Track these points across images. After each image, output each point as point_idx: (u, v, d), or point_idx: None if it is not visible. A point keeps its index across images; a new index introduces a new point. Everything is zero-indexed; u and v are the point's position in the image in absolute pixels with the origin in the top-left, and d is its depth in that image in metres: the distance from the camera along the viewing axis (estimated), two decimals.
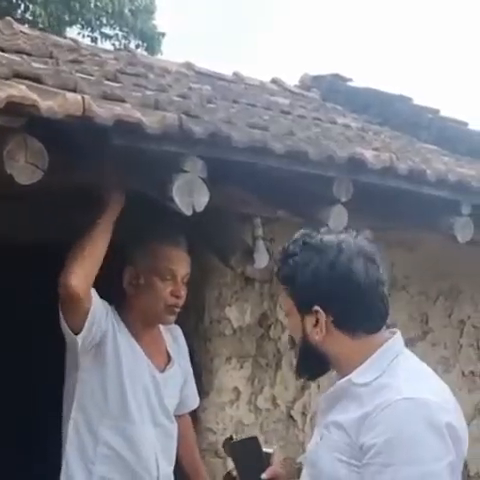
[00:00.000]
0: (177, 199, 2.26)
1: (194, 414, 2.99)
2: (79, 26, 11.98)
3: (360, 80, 5.12)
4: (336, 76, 5.24)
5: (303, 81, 5.38)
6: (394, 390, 1.56)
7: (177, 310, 2.63)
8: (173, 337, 2.77)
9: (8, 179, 1.95)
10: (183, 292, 2.60)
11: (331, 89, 5.12)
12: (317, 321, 1.67)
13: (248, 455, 1.84)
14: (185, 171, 2.25)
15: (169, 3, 20.05)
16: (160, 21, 12.45)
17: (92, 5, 11.44)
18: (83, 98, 1.99)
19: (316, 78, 5.30)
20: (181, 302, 2.62)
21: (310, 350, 1.70)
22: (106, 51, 4.86)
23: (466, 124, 4.52)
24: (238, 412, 3.31)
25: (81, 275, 2.34)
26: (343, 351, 1.68)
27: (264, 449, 1.91)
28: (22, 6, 11.63)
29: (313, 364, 1.75)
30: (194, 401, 2.89)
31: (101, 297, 2.49)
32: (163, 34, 12.14)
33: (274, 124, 2.76)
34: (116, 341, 2.55)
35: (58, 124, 1.98)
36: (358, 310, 1.66)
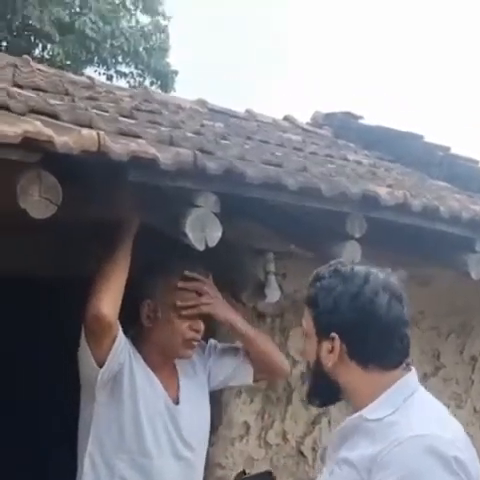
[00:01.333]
0: (190, 234, 2.20)
1: None
2: (95, 64, 12.11)
3: (371, 118, 5.11)
4: (347, 114, 5.23)
5: (315, 119, 5.37)
6: (405, 427, 1.53)
7: (195, 344, 2.57)
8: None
9: (22, 213, 1.90)
10: (201, 326, 2.54)
11: (342, 126, 5.09)
12: (332, 348, 1.63)
13: None
14: (198, 206, 2.19)
15: (183, 42, 20.23)
16: (173, 59, 12.62)
17: (108, 44, 11.56)
18: (98, 134, 1.94)
19: (327, 116, 5.28)
20: (199, 336, 2.56)
21: (322, 375, 1.67)
22: (121, 89, 4.85)
23: (477, 162, 4.49)
24: (248, 447, 3.22)
25: (110, 303, 2.31)
26: (353, 382, 1.64)
27: None
28: (40, 45, 11.78)
29: (323, 390, 1.71)
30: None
31: None
32: (176, 72, 12.25)
33: (287, 161, 2.70)
34: (133, 373, 2.48)
35: (73, 159, 1.93)
36: (374, 344, 1.62)
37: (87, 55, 11.51)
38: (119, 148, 1.97)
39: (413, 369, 1.68)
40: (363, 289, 1.62)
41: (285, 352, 3.30)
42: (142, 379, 2.49)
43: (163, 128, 2.88)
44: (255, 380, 2.74)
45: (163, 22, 12.42)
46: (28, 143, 1.82)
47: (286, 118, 5.20)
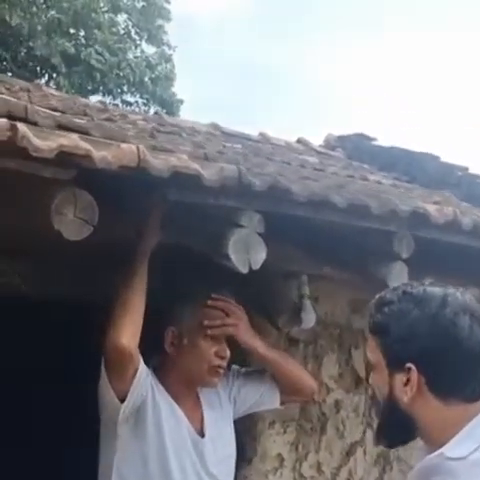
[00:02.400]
0: (233, 256, 1.98)
1: None
2: (101, 94, 11.95)
3: (384, 139, 4.94)
4: (360, 135, 5.05)
5: (327, 141, 5.20)
6: None
7: (222, 371, 2.37)
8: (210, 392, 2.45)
9: (56, 235, 1.68)
10: (228, 353, 2.35)
11: (356, 148, 4.91)
12: (408, 380, 1.41)
13: None
14: (241, 226, 1.97)
15: (188, 71, 20.14)
16: (178, 88, 12.46)
17: (114, 75, 11.41)
18: (138, 148, 1.72)
19: (340, 138, 5.10)
20: (225, 363, 2.36)
21: (395, 412, 1.45)
22: (133, 113, 4.67)
23: None
24: None
25: (129, 332, 2.11)
26: (434, 418, 1.43)
27: None
28: (46, 76, 11.61)
29: (397, 429, 1.48)
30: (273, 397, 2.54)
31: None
32: (182, 101, 12.10)
33: (324, 178, 2.49)
34: (156, 405, 2.27)
35: (110, 176, 1.71)
36: (457, 373, 1.41)
37: (93, 85, 11.35)
38: (159, 163, 1.75)
39: None
40: (442, 312, 1.42)
41: (319, 380, 3.06)
42: (166, 411, 2.29)
43: (189, 148, 2.67)
44: (282, 403, 2.58)
45: (168, 51, 12.30)
46: (63, 158, 1.60)
47: (299, 141, 5.02)
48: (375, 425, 1.56)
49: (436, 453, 1.41)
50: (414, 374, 1.41)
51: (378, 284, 2.52)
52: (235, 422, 2.58)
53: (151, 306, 2.17)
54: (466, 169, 4.34)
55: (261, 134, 4.74)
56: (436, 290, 1.46)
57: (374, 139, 5.01)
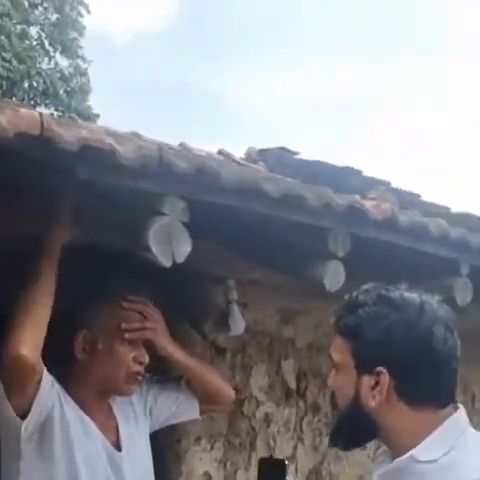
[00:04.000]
0: (154, 248, 1.71)
1: None
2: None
3: (306, 154, 4.83)
4: (283, 149, 4.90)
5: (249, 154, 5.02)
6: (466, 469, 1.34)
7: (140, 378, 2.11)
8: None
9: None
10: (147, 358, 2.09)
11: (278, 162, 4.74)
12: (376, 383, 1.37)
13: (274, 475, 1.75)
14: (163, 214, 1.71)
15: (104, 87, 19.68)
16: (94, 103, 12.14)
17: (25, 84, 11.03)
18: (41, 114, 1.44)
19: (262, 151, 4.93)
20: (143, 369, 2.10)
21: (359, 415, 1.40)
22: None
23: (419, 195, 4.21)
24: None
25: (32, 342, 1.84)
26: (400, 424, 1.39)
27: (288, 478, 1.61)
28: None
29: (357, 432, 1.44)
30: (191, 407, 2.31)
31: None
32: (98, 115, 11.82)
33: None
34: (64, 419, 1.98)
35: (3, 147, 1.42)
36: (429, 380, 1.37)
37: (2, 95, 10.88)
38: (67, 135, 1.47)
39: (462, 407, 1.42)
40: (420, 319, 1.38)
41: (248, 392, 2.82)
42: (75, 425, 2.01)
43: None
44: (201, 412, 2.35)
45: (83, 65, 12.02)
46: None
47: (220, 152, 4.80)
48: (331, 427, 1.51)
49: (406, 456, 1.38)
50: (385, 378, 1.37)
51: (313, 287, 2.31)
52: (157, 437, 2.32)
53: (56, 307, 1.89)
54: (388, 183, 4.25)
55: (181, 144, 4.48)
56: (413, 296, 1.43)
57: (297, 153, 4.87)
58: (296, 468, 3.00)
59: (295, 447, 3.02)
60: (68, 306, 2.00)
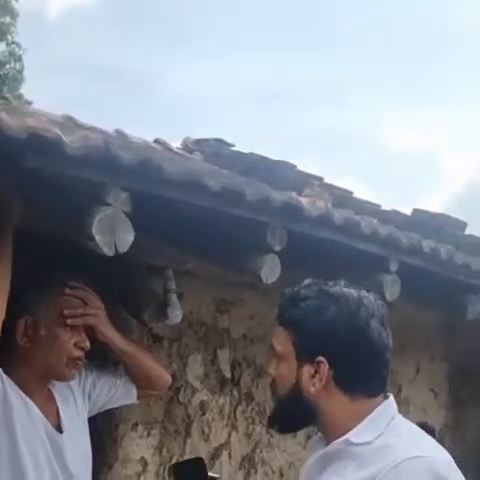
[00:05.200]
0: (97, 237, 1.74)
1: None
2: None
3: (242, 147, 4.86)
4: (219, 140, 4.91)
5: (185, 144, 5.01)
6: (399, 450, 1.42)
7: (80, 364, 2.14)
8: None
9: None
10: (88, 343, 2.12)
11: (214, 153, 4.75)
12: (316, 372, 1.44)
13: (193, 476, 1.67)
14: (107, 204, 1.74)
15: (38, 71, 18.98)
16: (28, 88, 11.72)
17: None
18: None
19: (198, 141, 4.93)
20: (83, 355, 2.13)
21: (298, 401, 1.47)
22: None
23: (351, 192, 4.27)
24: None
25: None
26: (336, 411, 1.47)
27: (210, 473, 1.61)
28: None
29: (295, 417, 1.51)
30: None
31: None
32: (30, 102, 11.53)
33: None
34: (7, 403, 2.00)
35: None
36: (364, 370, 1.46)
37: None
38: (14, 123, 1.49)
39: (391, 395, 1.52)
40: (359, 312, 1.45)
41: (184, 380, 2.86)
42: (19, 408, 2.03)
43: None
44: (138, 397, 2.40)
45: (18, 51, 11.64)
46: None
47: (157, 141, 4.77)
48: (271, 410, 1.57)
49: (341, 439, 1.44)
50: (324, 367, 1.44)
51: (250, 278, 2.37)
52: (95, 422, 2.35)
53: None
54: (321, 179, 4.31)
55: (117, 131, 4.41)
56: (352, 291, 1.49)
57: (232, 145, 4.89)
58: (230, 455, 3.05)
59: (229, 434, 3.08)
60: (10, 292, 2.00)
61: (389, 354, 1.49)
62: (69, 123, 3.57)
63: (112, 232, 1.76)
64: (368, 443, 1.43)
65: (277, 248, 2.17)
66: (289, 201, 2.11)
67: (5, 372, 2.03)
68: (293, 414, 1.50)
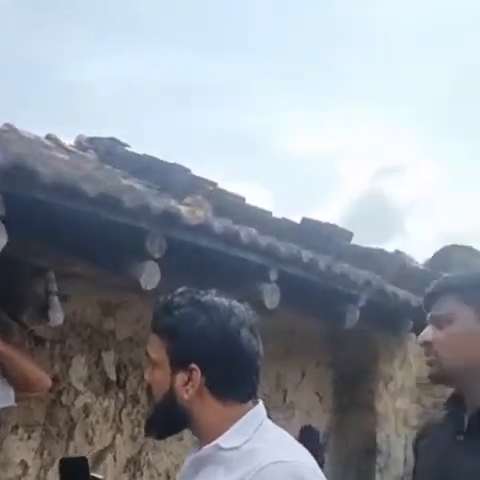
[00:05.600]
0: None
1: None
2: None
3: (136, 147, 4.88)
4: (113, 140, 4.90)
5: (79, 141, 4.95)
6: (264, 454, 1.45)
7: None
8: None
9: None
10: None
11: (108, 152, 4.72)
12: (189, 379, 1.46)
13: (77, 474, 1.68)
14: None
15: None
16: None
17: None
18: None
19: (92, 140, 4.89)
20: None
21: (172, 407, 1.49)
22: None
23: (243, 198, 4.35)
24: None
25: None
26: (209, 416, 1.49)
27: (93, 473, 1.65)
28: None
29: (170, 422, 1.52)
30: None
31: None
32: None
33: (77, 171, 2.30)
34: None
35: None
36: (235, 377, 1.49)
37: None
38: None
39: (261, 401, 1.55)
40: (229, 321, 1.49)
41: (67, 382, 2.86)
42: None
43: None
44: (16, 400, 2.36)
45: None
46: None
47: (49, 137, 4.68)
48: (147, 417, 1.56)
49: (211, 444, 1.46)
50: (197, 374, 1.46)
51: (131, 283, 2.40)
52: None
53: None
54: (215, 184, 4.39)
55: (7, 124, 4.29)
56: (223, 300, 1.52)
57: (126, 145, 4.89)
58: (115, 458, 3.07)
59: (114, 437, 3.09)
60: None
61: (259, 361, 1.54)
62: None
63: None
64: (236, 448, 1.47)
65: (156, 255, 2.22)
66: (167, 209, 2.17)
67: None
68: (168, 419, 1.52)
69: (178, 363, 1.48)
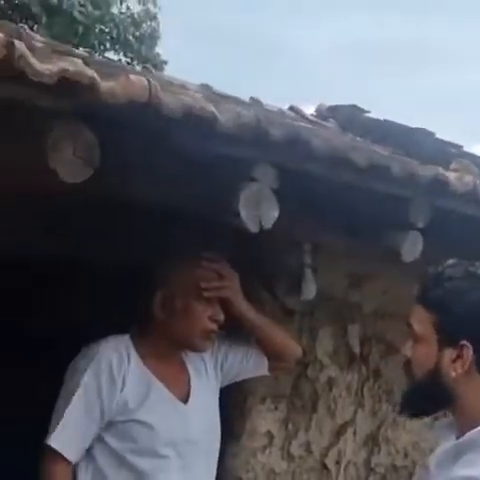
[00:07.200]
0: (242, 212, 1.82)
1: (222, 460, 2.52)
2: (82, 50, 11.57)
3: (377, 113, 4.81)
4: (353, 107, 4.88)
5: (319, 111, 5.02)
6: None
7: (214, 336, 2.26)
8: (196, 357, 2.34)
9: (51, 175, 1.50)
10: (222, 316, 2.22)
11: (348, 120, 4.73)
12: (458, 357, 1.44)
13: None
14: (254, 180, 1.82)
15: (172, 32, 19.44)
16: (162, 49, 12.11)
17: (97, 29, 11.06)
18: (149, 81, 1.54)
19: (332, 108, 4.92)
20: (217, 327, 2.24)
21: (436, 386, 1.47)
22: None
23: None
24: (270, 459, 2.85)
25: None
26: (475, 396, 1.46)
27: None
28: (26, 27, 11.18)
29: (430, 401, 1.51)
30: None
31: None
32: (166, 62, 11.81)
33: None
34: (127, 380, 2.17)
35: (113, 112, 1.53)
36: None
37: (75, 39, 10.97)
38: (171, 102, 1.57)
39: None
40: None
41: (313, 355, 2.94)
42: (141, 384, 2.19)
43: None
44: (269, 370, 2.51)
45: (153, 10, 11.94)
46: (64, 86, 1.42)
47: (291, 108, 4.84)
48: (403, 394, 1.55)
49: (477, 429, 1.42)
50: (468, 351, 1.42)
51: (386, 254, 2.40)
52: (224, 395, 2.46)
53: (135, 267, 2.02)
54: (460, 147, 4.23)
55: (252, 99, 4.53)
56: None
57: (367, 111, 4.85)
58: (354, 432, 3.13)
59: (355, 411, 3.15)
60: (147, 266, 2.14)
61: None
62: (209, 94, 3.70)
63: (257, 208, 1.84)
64: None
65: (420, 225, 2.19)
66: (436, 177, 2.12)
67: (139, 343, 2.19)
68: (429, 398, 1.49)
69: (447, 338, 1.45)
